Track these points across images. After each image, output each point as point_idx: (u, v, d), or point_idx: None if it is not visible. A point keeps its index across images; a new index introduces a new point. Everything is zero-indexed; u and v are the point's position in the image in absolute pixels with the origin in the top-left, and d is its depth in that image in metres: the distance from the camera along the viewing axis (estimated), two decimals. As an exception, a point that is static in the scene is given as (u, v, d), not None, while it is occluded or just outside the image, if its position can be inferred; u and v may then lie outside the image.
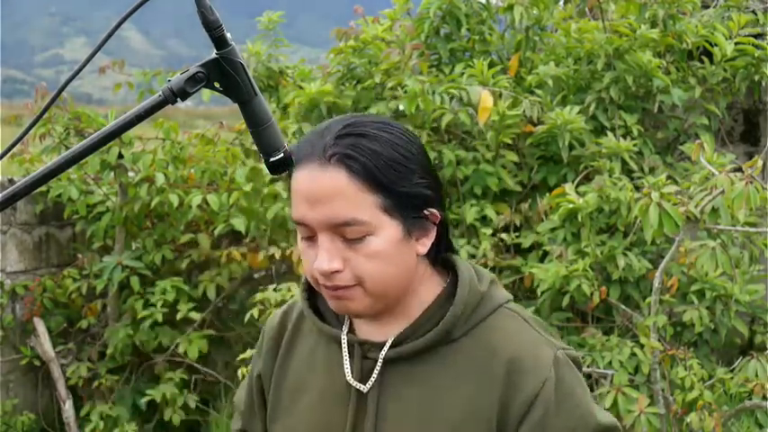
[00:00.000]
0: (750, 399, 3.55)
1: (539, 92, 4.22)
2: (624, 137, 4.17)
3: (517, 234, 4.02)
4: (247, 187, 3.97)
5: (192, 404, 4.15)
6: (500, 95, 4.08)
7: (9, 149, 1.04)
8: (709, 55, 4.42)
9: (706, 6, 4.79)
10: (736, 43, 4.32)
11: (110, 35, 1.03)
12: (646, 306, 3.63)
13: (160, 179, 4.05)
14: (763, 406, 3.44)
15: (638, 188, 3.67)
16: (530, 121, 4.09)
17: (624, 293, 3.87)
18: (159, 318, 4.05)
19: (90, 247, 4.50)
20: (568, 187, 3.75)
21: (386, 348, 1.20)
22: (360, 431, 1.20)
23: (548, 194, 3.88)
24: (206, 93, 3.52)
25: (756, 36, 4.47)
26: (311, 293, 1.29)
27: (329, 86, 4.36)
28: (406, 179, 1.12)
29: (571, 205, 3.64)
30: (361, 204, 1.10)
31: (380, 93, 4.34)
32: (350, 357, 1.22)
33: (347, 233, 1.11)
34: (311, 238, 1.14)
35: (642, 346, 3.48)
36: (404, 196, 1.12)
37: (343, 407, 1.21)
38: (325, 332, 1.26)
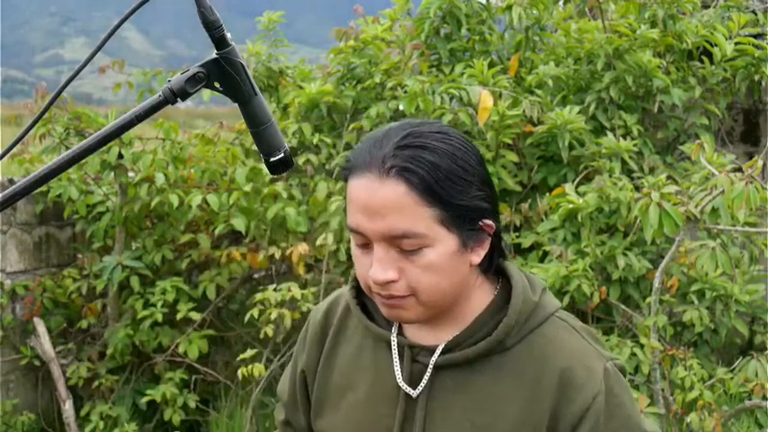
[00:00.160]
0: (750, 399, 3.55)
1: (539, 92, 4.22)
2: (624, 137, 4.17)
3: (517, 234, 4.02)
4: (247, 187, 3.96)
5: (192, 404, 4.15)
6: (500, 95, 4.08)
7: (9, 149, 1.04)
8: (710, 55, 4.42)
9: (706, 6, 4.79)
10: (736, 43, 4.32)
11: (110, 35, 1.03)
12: (646, 306, 3.63)
13: (160, 179, 4.05)
14: (763, 406, 3.44)
15: (638, 188, 3.67)
16: (530, 121, 4.09)
17: (624, 293, 3.87)
18: (159, 318, 4.05)
19: (90, 247, 4.50)
20: (568, 187, 3.75)
21: (437, 354, 1.19)
22: None
23: (548, 194, 3.89)
24: (206, 93, 3.52)
25: (756, 36, 4.47)
26: (359, 291, 1.29)
27: (329, 86, 4.36)
28: (465, 192, 1.11)
29: (571, 205, 3.64)
30: (419, 218, 1.10)
31: (380, 93, 4.34)
32: (399, 360, 1.22)
33: (403, 245, 1.11)
34: (366, 245, 1.14)
35: (642, 346, 3.48)
36: (461, 209, 1.11)
37: (391, 409, 1.21)
38: (373, 332, 1.26)
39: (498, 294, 1.22)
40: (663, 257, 3.63)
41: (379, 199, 1.10)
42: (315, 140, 4.21)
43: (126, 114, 1.03)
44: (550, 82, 4.27)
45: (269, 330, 3.80)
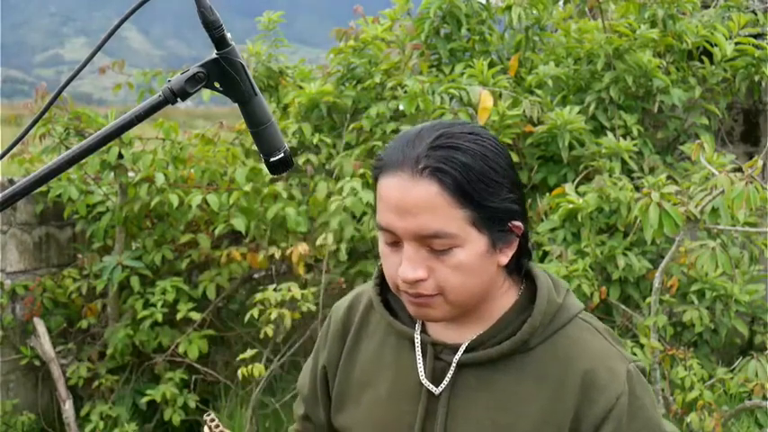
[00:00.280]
0: (750, 399, 3.55)
1: (539, 92, 4.22)
2: (624, 137, 4.17)
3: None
4: (247, 187, 3.96)
5: (192, 404, 4.15)
6: (500, 95, 4.08)
7: (9, 149, 1.04)
8: (710, 55, 4.42)
9: (706, 6, 4.79)
10: (736, 43, 4.32)
11: (110, 35, 1.03)
12: (646, 306, 3.63)
13: (160, 179, 4.05)
14: (763, 406, 3.44)
15: (638, 188, 3.67)
16: (530, 121, 4.09)
17: (624, 293, 3.87)
18: (159, 318, 4.05)
19: (90, 247, 4.50)
20: (568, 187, 3.75)
21: (460, 352, 1.20)
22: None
23: (548, 194, 3.89)
24: (206, 93, 3.52)
25: (756, 36, 4.47)
26: (382, 287, 1.30)
27: (329, 86, 4.36)
28: (496, 194, 1.12)
29: (571, 205, 3.64)
30: (451, 218, 1.10)
31: (380, 93, 4.35)
32: (422, 357, 1.23)
33: (434, 245, 1.12)
34: (395, 244, 1.15)
35: (642, 346, 3.48)
36: (492, 210, 1.12)
37: (413, 406, 1.22)
38: (396, 329, 1.27)
39: (523, 295, 1.23)
40: (663, 257, 3.63)
41: (412, 198, 1.10)
42: (315, 140, 4.21)
43: (126, 114, 1.03)
44: (550, 82, 4.27)
45: (269, 330, 3.80)
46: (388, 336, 1.29)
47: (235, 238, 4.38)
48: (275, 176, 3.82)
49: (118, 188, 4.27)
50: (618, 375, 1.16)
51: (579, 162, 4.07)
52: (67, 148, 3.55)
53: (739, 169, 3.13)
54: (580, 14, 4.88)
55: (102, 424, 4.11)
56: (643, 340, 3.47)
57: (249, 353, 3.78)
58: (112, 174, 4.22)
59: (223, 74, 1.06)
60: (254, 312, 3.83)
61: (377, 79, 4.27)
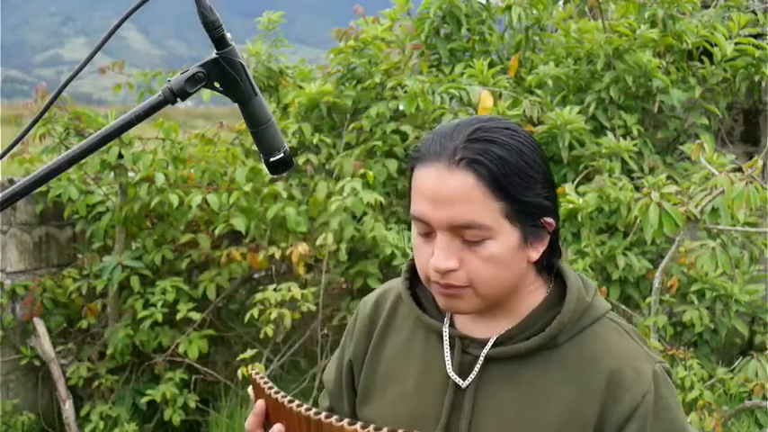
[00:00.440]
0: (750, 399, 3.55)
1: (539, 92, 4.22)
2: (624, 137, 4.17)
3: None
4: (247, 187, 3.96)
5: (192, 404, 4.15)
6: (500, 95, 4.09)
7: (9, 149, 1.04)
8: (710, 55, 4.42)
9: (706, 6, 4.79)
10: (736, 43, 4.32)
11: (110, 35, 1.03)
12: (646, 306, 3.63)
13: (160, 179, 4.05)
14: (763, 406, 3.44)
15: (638, 188, 3.67)
16: (530, 121, 4.09)
17: (624, 293, 3.87)
18: (159, 318, 4.05)
19: (90, 247, 4.50)
20: (568, 187, 3.75)
21: (488, 346, 1.21)
22: (454, 425, 1.21)
23: (548, 194, 3.88)
24: (206, 93, 3.52)
25: (756, 36, 4.47)
26: (412, 282, 1.31)
27: (329, 86, 4.36)
28: (530, 188, 1.13)
29: (571, 205, 3.64)
30: (485, 209, 1.12)
31: (380, 93, 4.35)
32: (450, 351, 1.24)
33: (467, 235, 1.13)
34: (428, 234, 1.16)
35: (642, 346, 3.47)
36: (526, 205, 1.14)
37: (439, 399, 1.23)
38: (424, 322, 1.28)
39: (552, 293, 1.24)
40: (663, 257, 3.63)
41: (448, 188, 1.12)
42: (315, 140, 4.21)
43: (126, 114, 1.03)
44: (550, 82, 4.27)
45: (269, 330, 3.80)
46: (415, 330, 1.31)
47: (235, 238, 4.38)
48: (275, 176, 3.83)
49: (118, 188, 4.27)
50: (644, 375, 1.17)
51: (579, 162, 4.07)
52: (67, 148, 3.55)
53: (739, 169, 3.13)
54: (580, 14, 4.88)
55: (102, 424, 4.11)
56: (643, 340, 3.46)
57: (249, 353, 3.78)
58: (112, 174, 4.22)
59: (223, 74, 1.06)
60: (254, 312, 3.83)
61: (377, 79, 4.27)
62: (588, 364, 1.18)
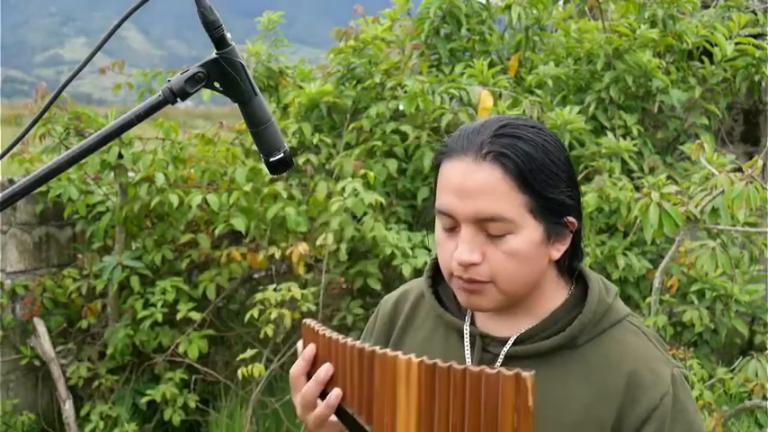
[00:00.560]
0: (750, 399, 3.55)
1: (539, 92, 4.22)
2: (624, 137, 4.17)
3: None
4: (247, 187, 3.96)
5: (192, 404, 4.15)
6: (500, 95, 4.09)
7: (9, 149, 1.04)
8: (710, 55, 4.42)
9: (706, 6, 4.79)
10: (736, 43, 4.32)
11: (110, 35, 1.03)
12: (646, 306, 3.63)
13: (160, 179, 4.05)
14: (763, 406, 3.44)
15: (638, 188, 3.67)
16: (530, 121, 4.08)
17: (624, 293, 3.87)
18: (159, 318, 4.05)
19: (90, 247, 4.49)
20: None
21: (509, 345, 1.22)
22: None
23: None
24: (206, 93, 3.52)
25: (756, 36, 4.47)
26: (434, 281, 1.32)
27: (329, 86, 4.36)
28: (554, 186, 1.15)
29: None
30: (510, 202, 1.13)
31: (380, 93, 4.35)
32: (470, 349, 1.25)
33: (491, 229, 1.14)
34: (452, 229, 1.17)
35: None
36: (550, 201, 1.15)
37: None
38: (445, 320, 1.29)
39: (573, 294, 1.25)
40: (663, 257, 3.63)
41: (475, 181, 1.13)
42: (315, 140, 4.21)
43: (126, 114, 1.03)
44: (550, 82, 4.27)
45: (269, 330, 3.80)
46: (436, 328, 1.31)
47: (235, 238, 4.38)
48: (275, 176, 3.83)
49: (118, 188, 4.27)
50: (662, 377, 1.18)
51: (579, 162, 4.07)
52: (67, 148, 3.55)
53: (739, 169, 3.13)
54: (580, 14, 4.88)
55: (102, 424, 4.11)
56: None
57: (249, 353, 3.78)
58: (112, 174, 4.22)
59: (223, 74, 1.06)
60: (254, 312, 3.83)
61: (377, 79, 4.27)
62: (607, 365, 1.19)
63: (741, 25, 4.34)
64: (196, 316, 4.13)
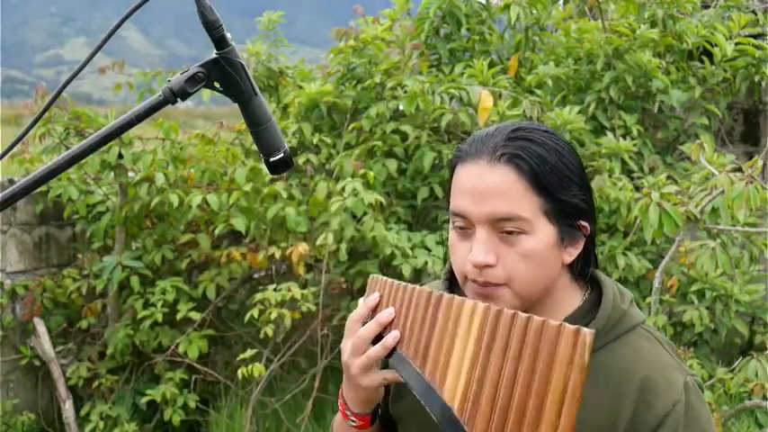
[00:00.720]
0: (750, 399, 3.55)
1: (539, 92, 4.22)
2: (624, 137, 4.17)
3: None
4: (247, 187, 3.96)
5: (192, 404, 4.15)
6: (500, 95, 4.08)
7: (9, 149, 1.04)
8: (710, 55, 4.42)
9: (706, 6, 4.79)
10: (736, 43, 4.32)
11: (110, 35, 1.03)
12: (646, 306, 3.63)
13: (160, 179, 4.05)
14: (763, 406, 3.44)
15: (638, 188, 3.67)
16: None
17: (624, 293, 3.86)
18: (159, 318, 4.05)
19: (90, 247, 4.49)
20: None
21: None
22: None
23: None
24: (206, 93, 3.52)
25: (756, 36, 4.47)
26: (450, 284, 1.32)
27: (329, 86, 4.36)
28: (567, 188, 1.17)
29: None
30: (525, 203, 1.14)
31: (380, 93, 4.35)
32: None
33: (506, 227, 1.15)
34: (466, 232, 1.18)
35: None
36: (563, 204, 1.16)
37: None
38: None
39: (587, 300, 1.25)
40: (663, 257, 3.63)
41: (489, 182, 1.15)
42: (315, 140, 4.21)
43: (126, 114, 1.03)
44: (550, 82, 4.27)
45: (269, 330, 3.80)
46: None
47: (235, 238, 4.38)
48: (275, 176, 3.83)
49: (118, 188, 4.27)
50: (675, 384, 1.18)
51: (579, 162, 4.07)
52: (67, 148, 3.55)
53: (739, 169, 3.13)
54: (580, 14, 4.88)
55: (102, 424, 4.11)
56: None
57: (249, 353, 3.78)
58: (112, 174, 4.22)
59: (223, 74, 1.06)
60: (254, 312, 3.83)
61: (377, 79, 4.27)
62: (621, 371, 1.19)
63: (741, 25, 4.34)
64: (196, 316, 4.13)
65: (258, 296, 3.88)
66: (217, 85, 1.07)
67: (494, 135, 1.18)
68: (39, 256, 4.55)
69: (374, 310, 1.20)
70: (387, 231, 3.87)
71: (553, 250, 1.17)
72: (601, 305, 1.22)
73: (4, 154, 1.02)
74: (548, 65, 4.31)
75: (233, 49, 1.05)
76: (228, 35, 1.05)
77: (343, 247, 3.88)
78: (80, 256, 4.52)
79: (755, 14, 4.63)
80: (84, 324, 4.38)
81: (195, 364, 4.20)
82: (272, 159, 1.10)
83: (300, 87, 4.54)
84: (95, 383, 4.25)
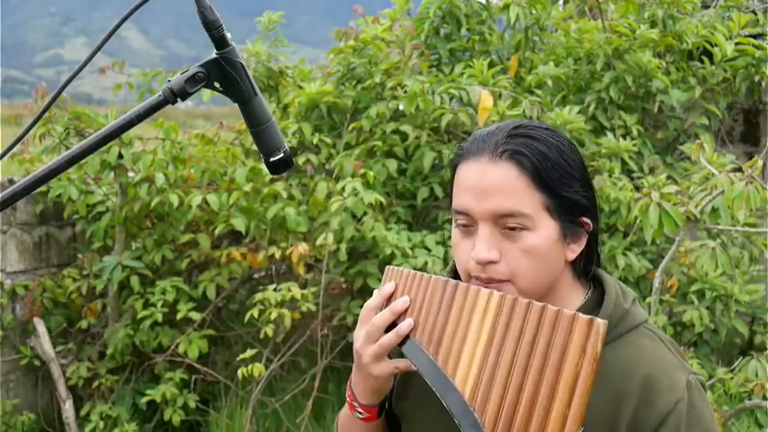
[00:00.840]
0: (750, 399, 3.55)
1: (538, 92, 4.22)
2: (624, 137, 4.17)
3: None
4: (247, 187, 3.96)
5: (192, 404, 4.15)
6: (500, 95, 4.08)
7: (9, 149, 1.04)
8: (710, 55, 4.42)
9: (706, 6, 4.79)
10: (736, 43, 4.32)
11: (110, 35, 1.03)
12: (646, 306, 3.63)
13: (160, 179, 4.05)
14: (763, 406, 3.44)
15: (638, 188, 3.67)
16: (530, 122, 4.08)
17: (624, 293, 3.86)
18: (159, 318, 4.05)
19: (90, 247, 4.49)
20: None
21: None
22: None
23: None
24: (206, 93, 3.52)
25: (756, 36, 4.47)
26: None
27: (329, 86, 4.36)
28: (569, 185, 1.17)
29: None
30: (527, 199, 1.15)
31: (380, 93, 4.35)
32: None
33: (509, 223, 1.16)
34: (469, 229, 1.18)
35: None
36: (565, 200, 1.17)
37: None
38: None
39: (590, 299, 1.25)
40: (663, 257, 3.63)
41: (491, 179, 1.16)
42: (315, 140, 4.21)
43: (126, 114, 1.03)
44: (550, 82, 4.27)
45: (269, 330, 3.80)
46: None
47: (235, 238, 4.38)
48: (275, 176, 3.82)
49: (118, 188, 4.27)
50: (678, 383, 1.18)
51: (579, 162, 4.07)
52: (67, 148, 3.55)
53: (739, 169, 3.13)
54: (580, 14, 4.88)
55: (102, 424, 4.11)
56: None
57: (249, 353, 3.78)
58: (112, 174, 4.22)
59: (223, 74, 1.06)
60: (254, 312, 3.83)
61: (377, 79, 4.27)
62: (623, 369, 1.19)
63: (741, 25, 4.34)
64: (196, 316, 4.13)
65: (258, 296, 3.88)
66: (217, 85, 1.07)
67: (495, 133, 1.18)
68: (39, 256, 4.55)
69: (389, 300, 1.21)
70: (387, 231, 3.87)
71: (556, 246, 1.18)
72: (603, 303, 1.22)
73: (4, 154, 1.02)
74: (548, 65, 4.31)
75: (233, 49, 1.05)
76: (228, 35, 1.05)
77: (343, 247, 3.88)
78: (80, 256, 4.52)
79: (755, 14, 4.63)
80: (84, 324, 4.38)
81: (195, 364, 4.20)
82: (272, 159, 1.10)
83: (300, 87, 4.54)
84: (95, 383, 4.25)
